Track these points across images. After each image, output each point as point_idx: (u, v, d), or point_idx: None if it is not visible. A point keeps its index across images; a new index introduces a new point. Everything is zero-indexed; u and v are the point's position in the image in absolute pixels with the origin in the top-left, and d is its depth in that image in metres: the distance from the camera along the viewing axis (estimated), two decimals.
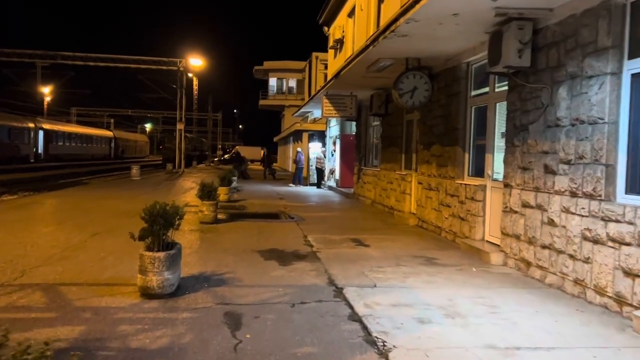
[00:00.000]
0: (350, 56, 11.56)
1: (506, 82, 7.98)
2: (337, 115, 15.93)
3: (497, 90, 8.53)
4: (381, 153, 15.15)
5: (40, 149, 44.95)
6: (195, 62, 44.93)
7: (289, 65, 56.10)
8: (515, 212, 7.36)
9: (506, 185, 7.65)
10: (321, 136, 31.91)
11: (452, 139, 9.79)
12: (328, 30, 25.47)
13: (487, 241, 8.60)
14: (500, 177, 8.25)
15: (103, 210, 13.36)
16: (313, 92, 21.88)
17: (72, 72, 51.55)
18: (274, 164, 32.59)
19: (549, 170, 6.60)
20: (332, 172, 24.03)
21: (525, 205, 7.10)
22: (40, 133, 44.72)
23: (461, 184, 9.34)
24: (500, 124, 8.40)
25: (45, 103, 66.55)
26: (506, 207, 7.62)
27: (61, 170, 37.34)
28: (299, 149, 26.16)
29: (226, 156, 68.27)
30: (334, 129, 25.01)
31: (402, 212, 12.71)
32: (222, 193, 15.79)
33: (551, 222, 6.51)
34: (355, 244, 9.16)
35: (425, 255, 8.29)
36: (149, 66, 41.37)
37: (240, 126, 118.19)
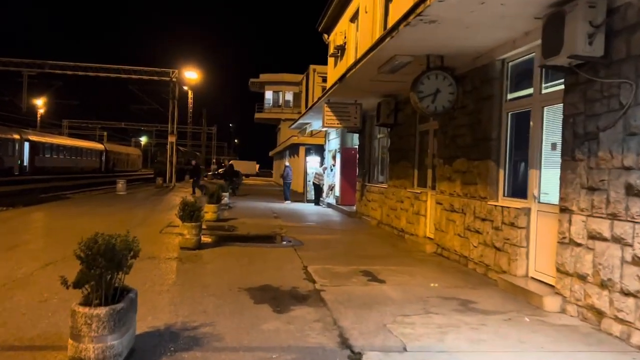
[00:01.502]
0: (353, 63, 9.97)
1: (560, 80, 6.39)
2: (339, 125, 14.31)
3: (544, 91, 6.91)
4: (389, 168, 13.51)
5: (26, 162, 43.09)
6: (191, 75, 43.48)
7: (286, 78, 54.69)
8: (579, 244, 5.70)
9: (564, 210, 5.99)
10: (318, 150, 30.30)
11: (482, 152, 8.16)
12: (328, 38, 23.97)
13: (532, 278, 6.92)
14: (551, 198, 6.61)
15: (72, 231, 11.61)
16: (310, 105, 20.27)
17: (60, 81, 49.71)
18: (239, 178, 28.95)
19: (633, 192, 4.95)
20: (331, 188, 22.35)
21: (595, 236, 5.44)
22: (26, 145, 42.91)
23: (495, 206, 7.68)
24: (549, 133, 6.78)
25: (39, 115, 65.01)
26: (564, 237, 5.96)
27: (45, 183, 35.49)
28: (287, 164, 24.41)
29: (220, 170, 66.60)
30: (333, 142, 23.39)
31: (416, 237, 11.03)
32: (210, 211, 14.13)
33: (638, 262, 4.85)
34: (368, 279, 7.46)
35: (457, 296, 6.60)
36: (140, 76, 39.88)
37: (235, 140, 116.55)
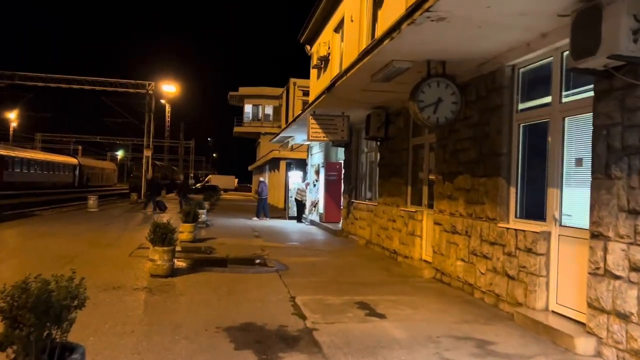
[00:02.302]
0: (344, 70, 9.12)
1: (584, 87, 5.63)
2: (325, 138, 13.45)
3: (565, 99, 6.12)
4: (379, 184, 12.65)
5: None
6: (168, 88, 42.48)
7: (266, 91, 53.90)
8: (618, 277, 4.86)
9: (596, 236, 5.16)
10: (300, 165, 29.41)
11: (490, 168, 7.33)
12: (311, 49, 23.21)
13: (554, 312, 6.07)
14: (576, 221, 5.80)
15: (31, 254, 10.54)
16: (290, 119, 19.27)
17: (31, 93, 48.02)
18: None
19: None
20: (314, 204, 21.41)
21: None
22: None
23: (507, 228, 6.84)
24: (572, 147, 5.99)
25: (11, 129, 63.21)
26: (597, 268, 5.12)
27: (13, 199, 33.82)
28: (261, 179, 23.35)
29: (198, 185, 65.48)
30: (316, 157, 22.51)
31: (411, 259, 10.15)
32: (186, 231, 13.09)
33: None
34: (365, 313, 6.53)
35: (471, 334, 5.70)
36: (115, 89, 38.63)
37: (214, 154, 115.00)
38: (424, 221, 10.01)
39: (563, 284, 5.97)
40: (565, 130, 6.07)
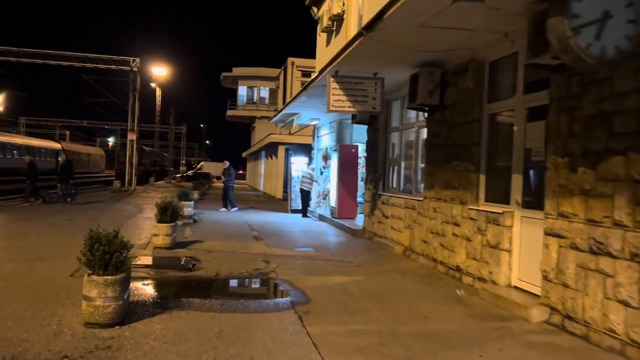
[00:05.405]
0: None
1: None
2: (351, 109, 9.90)
3: None
4: (427, 172, 9.18)
5: None
6: (159, 71, 39.19)
7: (261, 72, 50.29)
8: None
9: None
10: (301, 150, 25.85)
11: None
12: (318, 11, 19.59)
13: None
14: None
15: None
16: (306, 84, 15.57)
17: (1, 70, 43.96)
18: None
19: None
20: (324, 196, 17.91)
21: None
22: None
23: None
24: None
25: None
26: None
27: None
28: (226, 161, 19.67)
29: (190, 172, 62.17)
30: (325, 139, 18.99)
31: (493, 285, 6.74)
32: (162, 234, 9.65)
33: None
34: None
35: None
36: (96, 65, 34.75)
37: (207, 141, 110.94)
38: (515, 228, 6.59)
39: None
40: None
